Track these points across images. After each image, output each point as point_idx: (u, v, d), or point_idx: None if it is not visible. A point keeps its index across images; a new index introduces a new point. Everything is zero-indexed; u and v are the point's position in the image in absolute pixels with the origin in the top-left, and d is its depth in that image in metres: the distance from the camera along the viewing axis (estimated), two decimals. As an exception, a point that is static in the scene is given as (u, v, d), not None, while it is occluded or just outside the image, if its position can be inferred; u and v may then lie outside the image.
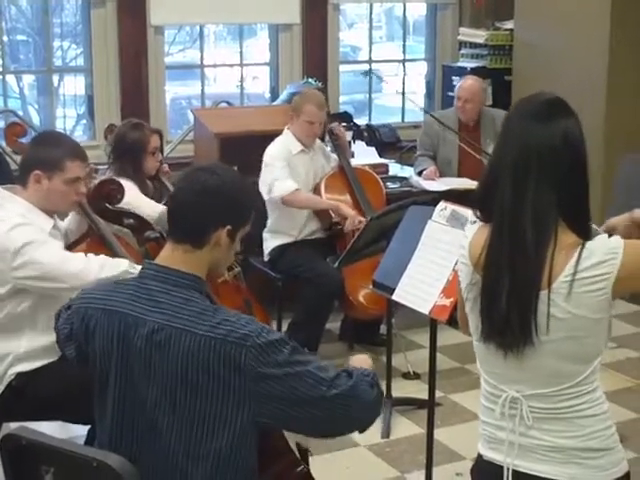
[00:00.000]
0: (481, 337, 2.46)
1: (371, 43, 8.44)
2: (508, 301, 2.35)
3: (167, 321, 2.46)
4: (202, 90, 7.63)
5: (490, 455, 2.54)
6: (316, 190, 5.93)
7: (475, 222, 2.53)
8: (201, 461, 2.45)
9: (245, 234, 2.68)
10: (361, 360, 2.70)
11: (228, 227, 2.57)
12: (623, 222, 2.67)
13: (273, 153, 5.72)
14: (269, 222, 5.88)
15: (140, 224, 4.30)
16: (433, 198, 4.36)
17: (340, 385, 2.46)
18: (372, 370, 2.60)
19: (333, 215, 5.80)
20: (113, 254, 3.93)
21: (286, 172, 5.66)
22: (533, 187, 2.34)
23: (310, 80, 7.24)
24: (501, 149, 2.44)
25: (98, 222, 4.12)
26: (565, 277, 2.31)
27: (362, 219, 5.65)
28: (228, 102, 7.15)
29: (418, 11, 8.73)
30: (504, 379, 2.46)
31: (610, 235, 2.41)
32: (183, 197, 2.58)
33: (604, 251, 2.32)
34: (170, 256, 2.58)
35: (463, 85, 6.80)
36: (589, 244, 2.34)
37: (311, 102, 5.78)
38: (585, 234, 2.37)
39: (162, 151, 5.25)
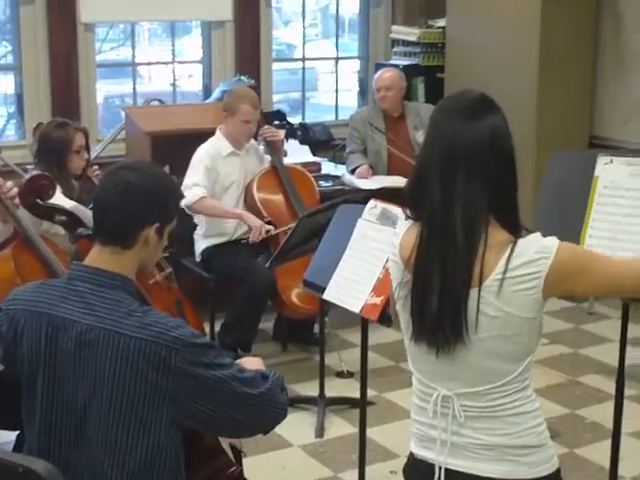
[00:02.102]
0: (412, 335, 2.45)
1: (305, 41, 8.43)
2: (439, 300, 2.35)
3: (96, 322, 2.44)
4: (134, 88, 7.56)
5: (422, 453, 2.53)
6: (248, 190, 5.89)
7: (407, 220, 2.52)
8: (126, 465, 2.43)
9: (172, 228, 2.66)
10: (253, 362, 2.70)
11: (156, 225, 2.55)
12: None
13: (199, 155, 5.69)
14: (201, 225, 5.85)
15: (72, 221, 4.23)
16: (364, 196, 4.34)
17: (258, 387, 2.48)
18: (280, 374, 2.62)
19: (265, 215, 5.77)
20: (39, 257, 3.88)
21: (202, 178, 5.62)
22: (462, 185, 2.33)
23: (243, 78, 7.21)
24: (429, 148, 2.43)
25: (23, 224, 4.06)
26: (496, 275, 2.31)
27: (270, 228, 5.66)
28: (160, 100, 7.09)
29: (353, 9, 8.73)
30: (436, 377, 2.46)
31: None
32: (108, 198, 2.54)
33: (536, 249, 2.32)
34: (98, 257, 2.55)
35: (382, 76, 6.90)
36: (521, 242, 2.34)
37: (246, 101, 5.74)
38: (516, 231, 2.37)
39: (88, 150, 5.19)
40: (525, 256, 2.32)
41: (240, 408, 2.47)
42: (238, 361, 2.65)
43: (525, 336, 2.38)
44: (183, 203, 5.45)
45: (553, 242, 2.35)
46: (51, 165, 4.91)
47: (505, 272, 2.31)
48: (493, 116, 2.40)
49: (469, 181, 2.33)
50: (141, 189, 2.52)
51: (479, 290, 2.32)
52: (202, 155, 5.68)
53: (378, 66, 7.98)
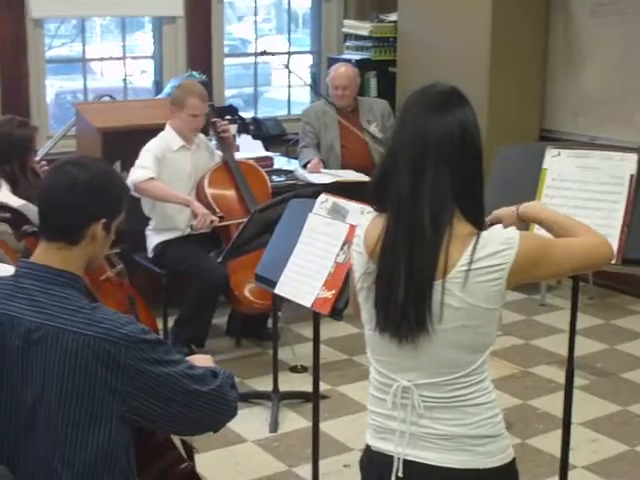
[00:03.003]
0: (376, 326, 2.45)
1: (257, 36, 8.42)
2: (404, 290, 2.36)
3: (44, 320, 2.42)
4: (84, 84, 7.52)
5: (380, 445, 2.54)
6: (199, 185, 5.87)
7: (370, 212, 2.53)
8: (76, 462, 2.42)
9: (121, 224, 2.65)
10: (203, 359, 2.70)
11: (103, 220, 2.53)
12: (508, 215, 2.72)
13: (150, 146, 5.67)
14: (152, 220, 5.83)
15: (17, 218, 4.22)
16: (316, 191, 4.34)
17: (208, 385, 2.48)
18: (230, 371, 2.62)
19: (217, 210, 5.76)
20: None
21: (153, 164, 5.59)
22: (431, 177, 2.34)
23: (194, 73, 7.20)
24: (398, 141, 2.43)
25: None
26: (461, 267, 2.33)
27: (215, 218, 5.65)
28: (111, 96, 7.05)
29: (306, 4, 8.74)
30: (396, 368, 2.47)
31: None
32: (53, 194, 2.52)
33: (500, 241, 2.35)
34: (45, 254, 2.53)
35: (338, 74, 6.88)
36: (484, 234, 2.36)
37: (193, 95, 5.73)
38: (480, 224, 2.40)
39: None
40: (489, 248, 2.34)
41: (189, 405, 2.46)
42: (187, 358, 2.65)
43: (488, 327, 2.41)
44: (129, 181, 5.45)
45: (515, 233, 2.38)
46: (13, 165, 4.89)
47: (470, 264, 2.33)
48: (462, 109, 2.42)
49: (437, 173, 2.35)
50: (87, 185, 2.50)
51: (443, 282, 2.34)
52: (153, 145, 5.66)
53: (331, 60, 7.99)
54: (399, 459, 2.47)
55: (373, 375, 2.55)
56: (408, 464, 2.47)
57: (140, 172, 5.55)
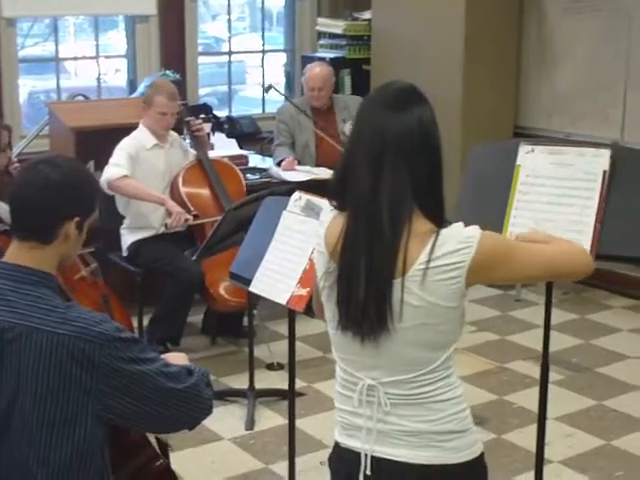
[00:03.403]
0: (338, 325, 2.45)
1: (230, 34, 8.41)
2: (365, 289, 2.35)
3: (18, 320, 2.40)
4: (57, 84, 7.48)
5: (348, 442, 2.54)
6: (174, 184, 5.87)
7: (332, 210, 2.53)
8: (51, 462, 2.41)
9: (94, 222, 2.64)
10: (179, 357, 2.70)
11: (76, 219, 2.52)
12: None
13: (123, 144, 5.66)
14: (127, 218, 5.82)
15: None
16: (290, 189, 4.35)
17: (183, 382, 2.48)
18: (205, 369, 2.62)
19: (192, 209, 5.75)
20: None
21: (127, 162, 5.59)
22: (389, 176, 2.34)
23: (167, 72, 7.19)
24: (356, 139, 2.43)
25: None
26: (419, 265, 2.32)
27: (189, 217, 5.66)
28: (84, 95, 7.02)
29: (280, 2, 8.73)
30: (360, 366, 2.47)
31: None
32: (26, 193, 2.51)
33: (458, 239, 2.34)
34: (17, 253, 2.51)
35: (314, 75, 6.87)
36: (443, 232, 2.35)
37: (161, 93, 5.73)
38: (439, 222, 2.38)
39: (11, 147, 5.15)
40: (448, 246, 2.33)
41: (164, 403, 2.46)
42: (162, 356, 2.64)
43: (448, 325, 2.40)
44: (103, 179, 5.44)
45: (475, 232, 2.37)
46: None
47: (428, 262, 2.32)
48: (421, 107, 2.41)
49: (396, 171, 2.34)
50: (59, 184, 2.49)
51: (403, 280, 2.33)
52: (126, 144, 5.66)
53: (305, 59, 7.99)
54: (367, 456, 2.47)
55: (339, 373, 2.56)
56: (376, 461, 2.47)
57: (113, 170, 5.54)
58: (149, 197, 5.69)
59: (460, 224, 2.41)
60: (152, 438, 2.80)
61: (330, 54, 7.92)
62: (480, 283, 2.42)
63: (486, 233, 2.39)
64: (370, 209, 2.35)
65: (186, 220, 5.63)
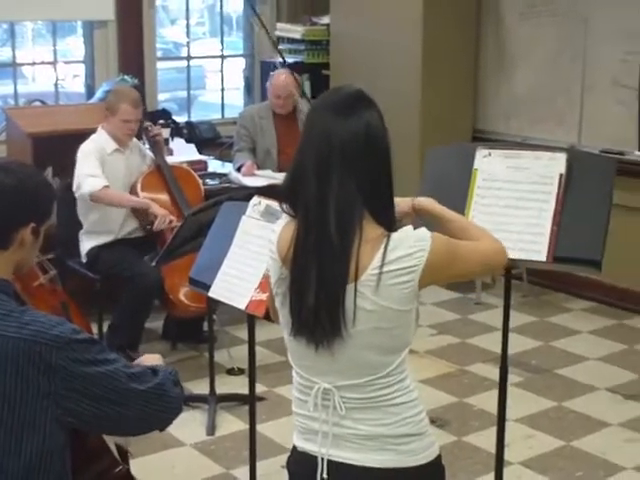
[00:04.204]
0: (292, 331, 2.46)
1: (189, 39, 8.39)
2: (317, 295, 2.35)
3: (-25, 326, 2.38)
4: (15, 89, 7.43)
5: (304, 446, 2.54)
6: (132, 190, 5.85)
7: (284, 216, 2.53)
8: (10, 468, 2.39)
9: (50, 228, 2.62)
10: (154, 358, 2.68)
11: (32, 225, 2.50)
12: (405, 204, 2.71)
13: (85, 150, 5.62)
14: (86, 223, 5.79)
15: None
16: (249, 194, 4.34)
17: (147, 382, 2.45)
18: (174, 368, 2.60)
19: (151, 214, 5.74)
20: None
21: (97, 169, 5.56)
22: (337, 181, 2.33)
23: (126, 77, 7.16)
24: (305, 144, 2.43)
25: None
26: (372, 270, 2.32)
27: (173, 218, 5.66)
28: (42, 101, 6.99)
29: (238, 7, 8.73)
30: (316, 371, 2.47)
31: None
32: None
33: (410, 244, 2.34)
34: (-28, 260, 2.50)
35: (278, 83, 6.84)
36: (395, 236, 2.36)
37: (126, 101, 5.70)
38: (390, 226, 2.39)
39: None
40: (401, 250, 2.34)
41: (127, 404, 2.43)
42: (138, 360, 2.63)
43: (402, 328, 2.41)
44: (86, 190, 5.48)
45: (426, 234, 2.38)
46: None
47: (382, 267, 2.32)
48: (368, 112, 2.40)
49: (344, 176, 2.34)
50: (14, 189, 2.48)
51: (355, 285, 2.33)
52: (90, 149, 5.62)
53: (264, 64, 8.00)
54: (323, 460, 2.47)
55: (295, 378, 2.56)
56: (333, 465, 2.47)
57: (94, 181, 5.53)
58: (134, 203, 5.73)
59: (410, 227, 2.42)
60: (112, 444, 2.78)
61: (289, 59, 7.91)
62: (431, 284, 2.43)
63: (436, 235, 2.40)
64: (319, 216, 2.35)
65: (170, 222, 5.62)
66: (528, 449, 4.84)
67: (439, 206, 2.73)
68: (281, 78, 6.87)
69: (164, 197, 5.91)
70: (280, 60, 7.43)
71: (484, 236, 2.60)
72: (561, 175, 3.36)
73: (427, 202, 2.74)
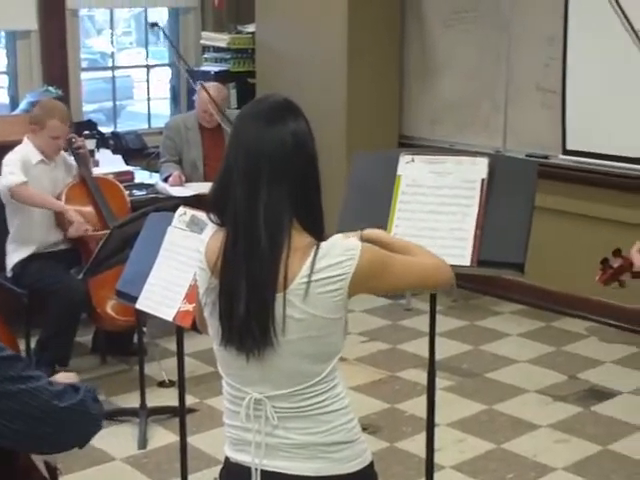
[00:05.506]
0: (222, 341, 2.44)
1: (115, 49, 8.34)
2: (246, 304, 2.34)
3: None
4: (-63, 102, 7.34)
5: (237, 457, 2.53)
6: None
7: (212, 226, 2.51)
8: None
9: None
10: (69, 377, 2.66)
11: None
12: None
13: (11, 157, 5.58)
14: (12, 229, 5.73)
15: None
16: (175, 204, 4.32)
17: (69, 399, 2.43)
18: (92, 385, 2.57)
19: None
20: None
21: (20, 170, 5.50)
22: (265, 190, 2.33)
23: (50, 88, 7.08)
24: (232, 153, 2.42)
25: None
26: (301, 279, 2.32)
27: (89, 227, 5.63)
28: (-36, 113, 6.90)
29: (165, 16, 8.69)
30: (247, 381, 2.46)
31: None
32: None
33: (339, 252, 2.34)
34: None
35: (205, 97, 6.75)
36: (324, 245, 2.36)
37: (55, 116, 5.64)
38: (319, 234, 2.39)
39: None
40: (329, 258, 2.33)
41: (50, 421, 2.40)
42: (52, 378, 2.59)
43: (332, 336, 2.41)
44: (5, 184, 5.45)
45: (356, 244, 2.38)
46: None
47: (310, 275, 2.32)
48: (295, 120, 2.40)
49: (272, 185, 2.34)
50: None
51: (284, 294, 2.33)
52: (14, 157, 5.58)
53: (190, 73, 7.95)
54: (257, 470, 2.47)
55: (226, 388, 2.54)
56: (266, 474, 2.46)
57: (12, 177, 5.49)
58: (50, 204, 5.67)
59: (339, 235, 2.43)
60: (40, 462, 2.75)
61: (215, 67, 7.93)
62: (363, 293, 2.43)
63: (365, 245, 2.40)
64: (247, 225, 2.34)
65: (86, 230, 5.57)
66: (459, 453, 4.87)
67: (386, 235, 2.71)
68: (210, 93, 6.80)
69: (88, 209, 5.85)
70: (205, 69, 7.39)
71: (425, 254, 2.59)
72: (483, 180, 3.38)
73: (374, 233, 2.68)
